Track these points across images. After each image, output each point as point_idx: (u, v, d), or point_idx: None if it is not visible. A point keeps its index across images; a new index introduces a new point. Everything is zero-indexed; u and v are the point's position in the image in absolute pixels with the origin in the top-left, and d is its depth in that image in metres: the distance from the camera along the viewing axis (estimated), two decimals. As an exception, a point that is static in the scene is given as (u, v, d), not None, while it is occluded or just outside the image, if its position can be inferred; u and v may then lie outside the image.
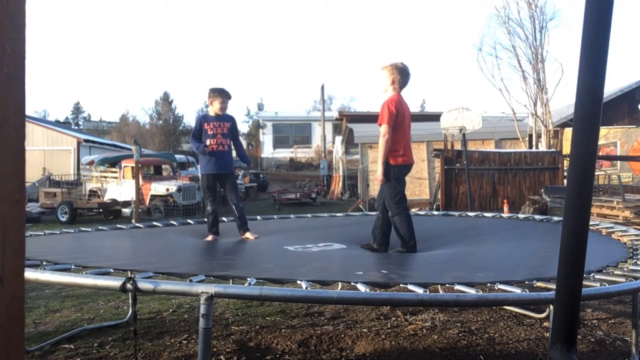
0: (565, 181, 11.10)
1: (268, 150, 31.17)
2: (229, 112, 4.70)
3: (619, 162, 16.86)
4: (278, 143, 31.28)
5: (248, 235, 4.36)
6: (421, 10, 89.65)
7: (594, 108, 0.98)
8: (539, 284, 2.46)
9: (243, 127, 48.56)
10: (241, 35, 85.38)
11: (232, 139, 4.61)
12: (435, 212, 7.57)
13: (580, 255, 1.01)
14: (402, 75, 3.95)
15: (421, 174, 17.24)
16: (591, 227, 4.28)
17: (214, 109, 4.58)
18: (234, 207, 4.48)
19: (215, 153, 4.50)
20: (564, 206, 1.03)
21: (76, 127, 47.59)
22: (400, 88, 3.98)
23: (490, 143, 17.48)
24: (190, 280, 2.31)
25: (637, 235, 3.98)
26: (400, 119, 3.92)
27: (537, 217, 5.98)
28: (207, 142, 4.49)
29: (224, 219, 4.81)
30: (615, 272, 2.79)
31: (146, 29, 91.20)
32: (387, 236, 4.00)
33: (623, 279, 2.60)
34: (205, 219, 4.74)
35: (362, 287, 2.28)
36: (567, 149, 14.53)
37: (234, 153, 4.79)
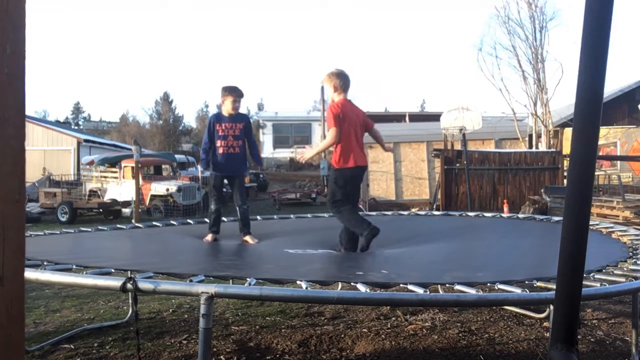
0: (565, 181, 11.10)
1: (268, 150, 31.14)
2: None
3: (619, 162, 16.87)
4: (278, 143, 31.26)
5: (248, 238, 4.34)
6: (421, 10, 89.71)
7: (594, 108, 0.98)
8: (539, 284, 2.46)
9: (243, 127, 48.51)
10: (241, 35, 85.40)
11: (245, 139, 4.53)
12: (435, 212, 7.57)
13: (580, 255, 1.01)
14: (339, 78, 3.97)
15: (421, 174, 17.25)
16: (591, 227, 4.28)
17: (226, 109, 4.48)
18: (238, 208, 4.47)
19: (226, 155, 4.44)
20: (564, 206, 1.03)
21: (76, 127, 47.59)
22: (343, 91, 3.98)
23: (490, 143, 17.47)
24: (191, 280, 2.31)
25: (637, 235, 3.98)
26: (346, 122, 3.88)
27: (537, 217, 5.98)
28: (217, 143, 4.44)
29: (224, 219, 4.80)
30: (615, 272, 2.79)
31: (146, 29, 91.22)
32: (354, 239, 3.91)
33: (623, 279, 2.59)
34: (206, 219, 4.72)
35: (362, 287, 2.28)
36: (567, 149, 14.53)
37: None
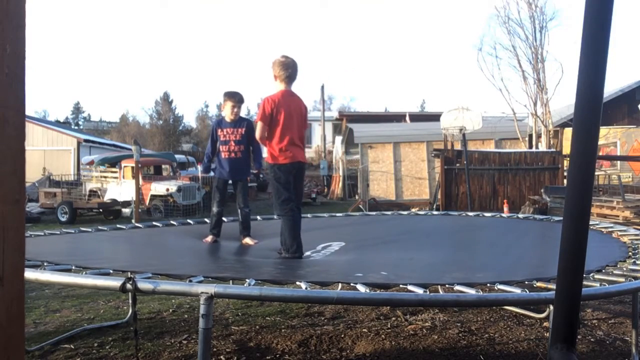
0: (565, 181, 11.10)
1: (268, 150, 31.12)
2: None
3: (619, 162, 16.87)
4: (278, 143, 31.19)
5: (247, 240, 4.35)
6: (421, 10, 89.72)
7: (594, 108, 0.98)
8: (539, 284, 2.46)
9: (243, 127, 48.54)
10: (241, 35, 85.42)
11: (248, 144, 4.51)
12: (435, 212, 7.58)
13: (580, 255, 1.01)
14: (281, 68, 3.71)
15: (421, 174, 17.25)
16: (591, 227, 4.28)
17: (226, 114, 4.50)
18: (239, 210, 4.48)
19: (228, 160, 4.45)
20: (564, 206, 1.03)
21: (76, 127, 47.63)
22: (285, 82, 3.73)
23: (490, 143, 17.48)
24: (190, 281, 2.31)
25: (637, 235, 3.98)
26: (281, 116, 3.69)
27: (537, 216, 5.98)
28: (220, 148, 4.47)
29: (224, 219, 4.81)
30: (614, 272, 2.79)
31: (146, 28, 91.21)
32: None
33: (623, 279, 2.59)
34: (206, 219, 4.73)
35: (362, 288, 2.28)
36: (567, 149, 14.53)
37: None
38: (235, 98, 4.48)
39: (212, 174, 4.75)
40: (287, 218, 3.70)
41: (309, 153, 31.13)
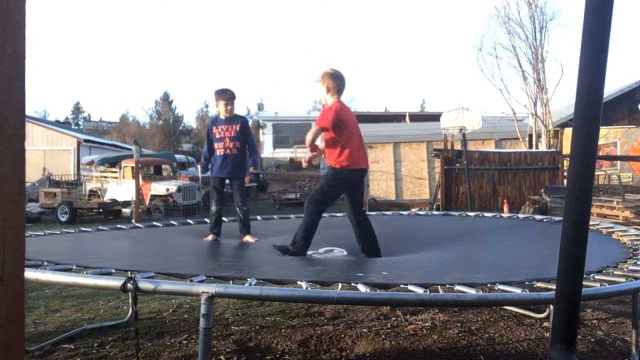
0: (565, 181, 11.10)
1: (268, 150, 31.13)
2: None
3: (619, 162, 16.87)
4: (278, 143, 31.23)
5: (248, 238, 4.36)
6: (421, 10, 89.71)
7: (594, 108, 0.98)
8: (539, 284, 2.46)
9: (243, 127, 48.53)
10: (241, 35, 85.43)
11: (243, 141, 4.52)
12: (435, 212, 7.58)
13: (580, 255, 1.01)
14: (333, 80, 3.83)
15: (421, 174, 17.25)
16: (591, 227, 4.28)
17: (221, 112, 4.52)
18: (238, 209, 4.48)
19: (223, 157, 4.45)
20: (564, 206, 1.03)
21: (76, 127, 47.63)
22: (337, 93, 3.86)
23: (490, 143, 17.46)
24: (191, 280, 2.31)
25: (637, 235, 3.98)
26: (343, 125, 3.80)
27: (537, 217, 5.98)
28: (215, 145, 4.47)
29: (224, 219, 4.81)
30: (615, 272, 2.79)
31: (146, 28, 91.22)
32: (374, 244, 3.82)
33: (623, 279, 2.60)
34: (206, 219, 4.73)
35: (362, 288, 2.28)
36: (567, 149, 14.52)
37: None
38: (226, 95, 4.49)
39: (209, 173, 4.73)
40: (309, 216, 3.79)
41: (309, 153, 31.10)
